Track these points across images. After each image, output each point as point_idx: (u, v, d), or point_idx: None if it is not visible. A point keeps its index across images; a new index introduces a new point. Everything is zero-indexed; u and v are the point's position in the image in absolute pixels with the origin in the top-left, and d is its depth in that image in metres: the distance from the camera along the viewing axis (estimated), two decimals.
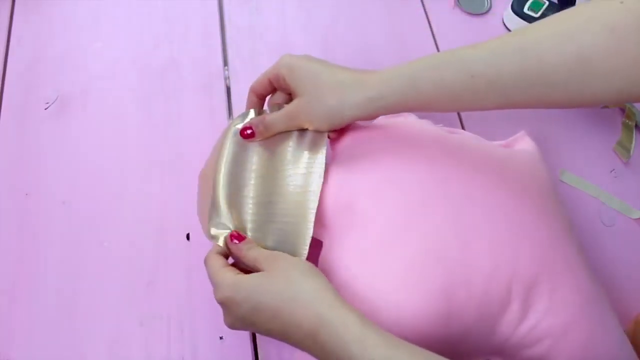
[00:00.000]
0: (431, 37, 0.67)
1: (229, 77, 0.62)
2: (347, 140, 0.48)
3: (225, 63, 0.63)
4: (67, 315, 0.48)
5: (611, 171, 0.60)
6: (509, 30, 0.68)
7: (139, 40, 0.63)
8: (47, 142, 0.56)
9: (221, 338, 0.48)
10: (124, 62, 0.62)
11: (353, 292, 0.40)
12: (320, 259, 0.44)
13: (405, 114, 0.53)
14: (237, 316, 0.39)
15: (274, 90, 0.49)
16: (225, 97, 0.61)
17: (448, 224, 0.42)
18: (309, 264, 0.40)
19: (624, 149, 0.61)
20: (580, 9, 0.40)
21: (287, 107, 0.47)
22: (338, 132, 0.50)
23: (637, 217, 0.57)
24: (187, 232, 0.52)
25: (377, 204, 0.44)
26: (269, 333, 0.39)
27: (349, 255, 0.43)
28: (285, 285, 0.38)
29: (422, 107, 0.44)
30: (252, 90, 0.49)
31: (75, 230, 0.52)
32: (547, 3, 0.66)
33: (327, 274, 0.41)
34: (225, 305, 0.40)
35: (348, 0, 0.69)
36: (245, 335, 0.48)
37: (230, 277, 0.40)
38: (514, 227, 0.43)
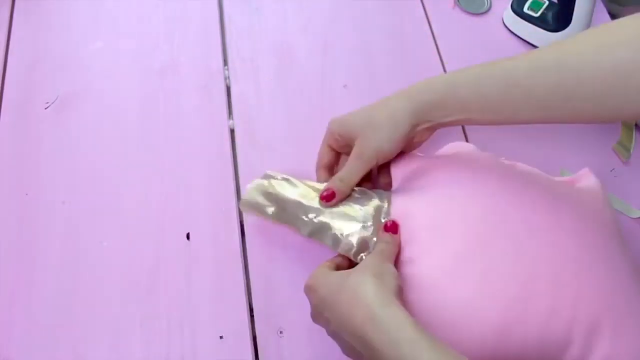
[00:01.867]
0: (431, 37, 0.67)
1: (229, 77, 0.62)
2: (408, 171, 0.49)
3: (225, 63, 0.63)
4: (67, 315, 0.48)
5: (611, 171, 0.60)
6: (509, 30, 0.68)
7: (138, 40, 0.63)
8: (47, 142, 0.56)
9: (221, 338, 0.48)
10: (124, 62, 0.62)
11: None
12: None
13: (466, 144, 0.54)
14: (313, 304, 0.41)
15: (338, 156, 0.51)
16: (225, 97, 0.61)
17: (507, 261, 0.41)
18: (387, 269, 0.40)
19: (624, 148, 0.61)
20: (621, 23, 0.40)
21: (353, 152, 0.48)
22: (399, 162, 0.51)
23: (637, 216, 0.57)
24: (187, 232, 0.52)
25: (437, 238, 0.43)
26: (329, 325, 0.39)
27: (405, 290, 0.42)
28: (350, 280, 0.39)
29: (464, 114, 0.45)
30: (320, 166, 0.51)
31: (75, 230, 0.52)
32: (546, 2, 0.66)
33: None
34: (307, 293, 0.42)
35: (348, 0, 0.69)
36: (245, 335, 0.48)
37: (319, 269, 0.42)
38: (576, 267, 0.42)
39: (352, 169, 0.48)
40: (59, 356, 0.46)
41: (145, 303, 0.49)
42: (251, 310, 0.49)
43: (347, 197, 0.49)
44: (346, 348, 0.40)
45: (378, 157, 0.48)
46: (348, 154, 0.50)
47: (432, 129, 0.49)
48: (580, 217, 0.45)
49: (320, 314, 0.40)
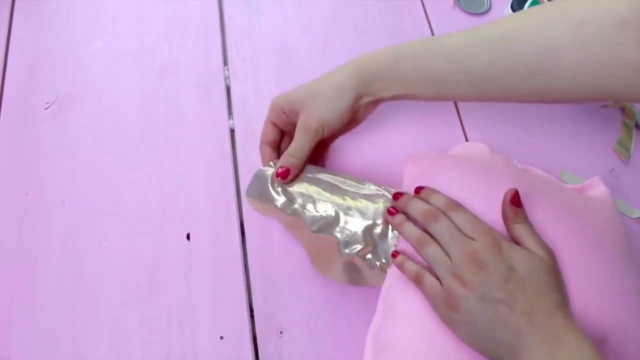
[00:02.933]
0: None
1: (229, 77, 0.62)
2: (419, 170, 0.49)
3: (225, 63, 0.63)
4: (67, 315, 0.48)
5: (611, 171, 0.60)
6: None
7: (138, 40, 0.63)
8: (47, 142, 0.56)
9: (221, 338, 0.48)
10: (124, 62, 0.62)
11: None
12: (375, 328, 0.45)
13: (479, 145, 0.54)
14: (497, 269, 0.40)
15: (282, 134, 0.51)
16: (225, 97, 0.61)
17: None
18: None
19: (624, 148, 0.61)
20: (555, 3, 0.41)
21: (298, 125, 0.48)
22: (410, 160, 0.51)
23: (637, 216, 0.57)
24: (187, 232, 0.52)
25: None
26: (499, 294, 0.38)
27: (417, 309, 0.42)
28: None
29: (405, 88, 0.45)
30: (263, 142, 0.51)
31: (75, 230, 0.52)
32: (546, 2, 0.66)
33: (383, 344, 0.43)
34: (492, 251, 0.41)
35: (348, 0, 0.69)
36: (245, 335, 0.48)
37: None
38: (585, 279, 0.41)
39: (300, 141, 0.48)
40: (59, 356, 0.46)
41: (145, 303, 0.49)
42: (251, 310, 0.49)
43: (355, 194, 0.49)
44: (483, 328, 0.38)
45: (324, 128, 0.47)
46: (290, 133, 0.50)
47: (375, 103, 0.49)
48: (591, 227, 0.44)
49: (499, 280, 0.38)
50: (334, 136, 0.51)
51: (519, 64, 0.40)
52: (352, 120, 0.49)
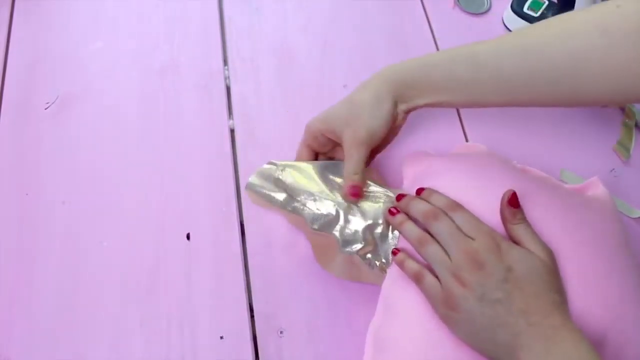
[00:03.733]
0: (431, 37, 0.67)
1: (229, 77, 0.62)
2: (419, 170, 0.49)
3: (225, 63, 0.63)
4: (67, 315, 0.48)
5: (611, 171, 0.60)
6: (509, 29, 0.68)
7: (138, 40, 0.63)
8: (47, 142, 0.56)
9: (221, 338, 0.48)
10: (124, 62, 0.62)
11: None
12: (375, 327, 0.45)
13: (479, 145, 0.54)
14: (495, 269, 0.40)
15: (317, 157, 0.51)
16: (225, 97, 0.61)
17: None
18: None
19: (624, 148, 0.61)
20: (578, 11, 0.42)
21: (346, 143, 0.47)
22: (410, 161, 0.51)
23: (637, 216, 0.57)
24: (187, 232, 0.52)
25: None
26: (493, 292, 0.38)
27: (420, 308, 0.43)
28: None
29: (437, 96, 0.46)
30: None
31: (75, 230, 0.52)
32: (546, 2, 0.66)
33: (383, 344, 0.43)
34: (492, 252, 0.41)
35: (348, 0, 0.69)
36: (245, 335, 0.48)
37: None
38: (585, 278, 0.41)
39: (354, 158, 0.47)
40: (59, 356, 0.46)
41: (145, 303, 0.49)
42: (251, 310, 0.49)
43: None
44: (478, 323, 0.38)
45: (372, 137, 0.47)
46: (326, 154, 0.51)
47: (409, 111, 0.49)
48: (591, 228, 0.44)
49: (496, 280, 0.38)
50: (378, 147, 0.51)
51: (547, 70, 0.41)
52: (392, 128, 0.49)
